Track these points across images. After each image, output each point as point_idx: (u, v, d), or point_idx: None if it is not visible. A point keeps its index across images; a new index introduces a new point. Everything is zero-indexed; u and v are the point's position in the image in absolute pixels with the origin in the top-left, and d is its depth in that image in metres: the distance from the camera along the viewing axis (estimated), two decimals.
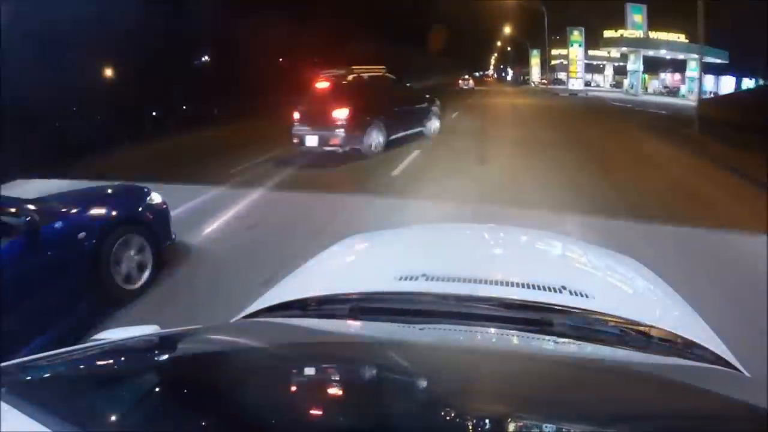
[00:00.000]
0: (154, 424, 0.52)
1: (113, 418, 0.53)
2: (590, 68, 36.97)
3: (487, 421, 0.51)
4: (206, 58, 21.94)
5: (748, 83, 24.73)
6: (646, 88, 29.28)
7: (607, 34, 28.75)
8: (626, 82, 30.44)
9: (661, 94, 30.08)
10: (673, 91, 30.38)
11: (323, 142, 7.58)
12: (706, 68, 27.54)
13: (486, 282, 0.97)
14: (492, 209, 4.40)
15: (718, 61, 25.83)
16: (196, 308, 2.67)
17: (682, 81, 30.51)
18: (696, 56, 27.92)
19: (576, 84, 31.23)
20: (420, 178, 6.03)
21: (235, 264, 3.38)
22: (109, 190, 3.40)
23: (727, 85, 26.33)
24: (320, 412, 0.55)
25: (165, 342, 0.82)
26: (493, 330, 0.85)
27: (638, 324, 0.87)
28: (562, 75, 40.91)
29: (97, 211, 2.82)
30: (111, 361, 0.74)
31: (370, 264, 1.31)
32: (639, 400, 0.61)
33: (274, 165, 7.11)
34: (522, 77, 54.46)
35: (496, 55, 75.62)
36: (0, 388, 0.52)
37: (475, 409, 0.55)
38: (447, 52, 50.67)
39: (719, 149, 7.78)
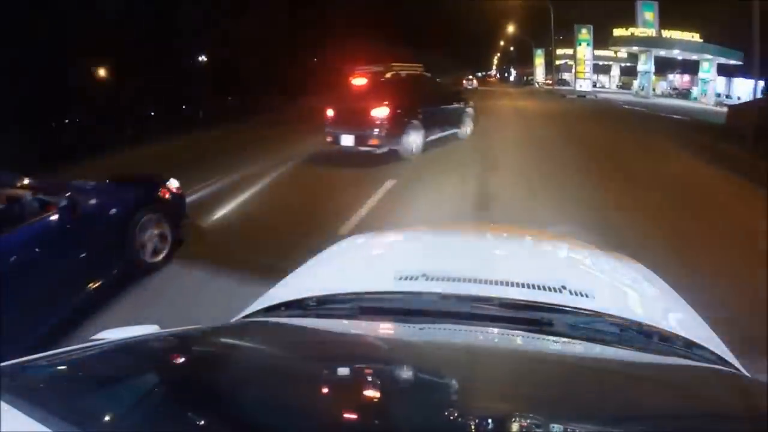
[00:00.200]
0: (154, 424, 0.53)
1: (113, 418, 0.54)
2: (596, 69, 36.19)
3: (487, 420, 0.52)
4: (203, 58, 22.06)
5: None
6: (654, 90, 28.13)
7: (617, 32, 26.99)
8: (635, 83, 29.00)
9: (670, 96, 29.54)
10: (683, 93, 29.65)
11: (360, 141, 7.35)
12: (719, 69, 25.80)
13: (486, 282, 0.99)
14: None
15: (732, 62, 23.95)
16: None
17: (692, 82, 29.72)
18: (709, 57, 26.05)
19: (584, 85, 29.57)
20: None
21: None
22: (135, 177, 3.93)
23: (740, 87, 25.52)
24: (320, 412, 0.56)
25: (165, 342, 0.83)
26: (493, 330, 0.86)
27: (638, 324, 0.88)
28: (566, 76, 39.09)
29: (125, 192, 3.34)
30: (111, 361, 0.73)
31: (370, 264, 1.32)
32: (639, 400, 0.62)
33: None
34: (525, 78, 52.73)
35: (498, 54, 74.04)
36: (0, 388, 0.52)
37: (476, 408, 0.56)
38: (449, 52, 49.42)
39: None
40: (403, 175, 6.19)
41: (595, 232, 3.64)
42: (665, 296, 1.14)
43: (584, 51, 30.98)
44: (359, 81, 7.99)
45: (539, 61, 44.37)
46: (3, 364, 0.62)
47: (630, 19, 27.79)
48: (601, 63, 33.73)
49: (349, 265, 1.36)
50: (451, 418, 0.53)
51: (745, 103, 12.35)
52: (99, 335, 0.87)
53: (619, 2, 27.23)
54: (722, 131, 10.59)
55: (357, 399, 0.60)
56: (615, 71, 38.18)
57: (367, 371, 0.71)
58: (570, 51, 36.56)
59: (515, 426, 0.51)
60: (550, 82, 43.43)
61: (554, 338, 0.84)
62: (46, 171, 6.02)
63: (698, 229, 4.20)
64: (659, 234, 3.92)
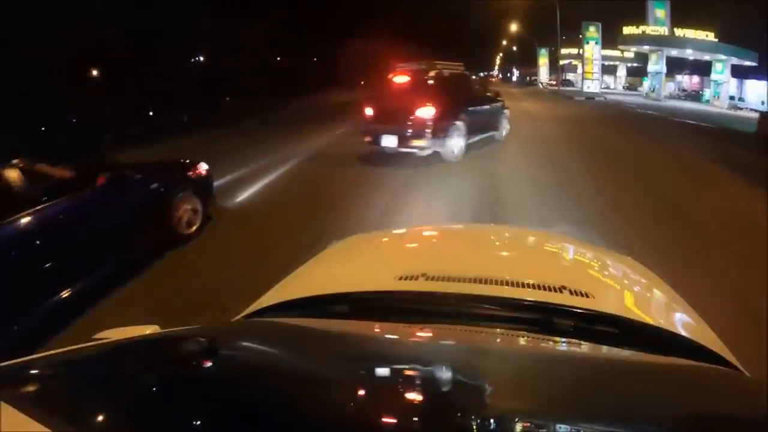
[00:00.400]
0: (154, 424, 0.53)
1: (113, 418, 0.55)
2: (602, 69, 34.28)
3: (487, 420, 0.52)
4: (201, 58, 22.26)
5: None
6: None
7: (627, 30, 25.49)
8: (646, 84, 27.41)
9: (678, 97, 28.81)
10: (692, 95, 28.87)
11: (403, 142, 7.15)
12: (732, 71, 24.15)
13: (486, 282, 1.00)
14: None
15: (747, 63, 22.57)
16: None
17: (701, 83, 28.93)
18: (723, 57, 24.42)
19: (592, 86, 28.10)
20: None
21: None
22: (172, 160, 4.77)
23: (752, 89, 25.07)
24: (320, 412, 0.56)
25: (165, 342, 0.85)
26: (493, 330, 0.88)
27: (638, 324, 0.90)
28: (570, 76, 37.48)
29: (165, 171, 4.21)
30: (111, 361, 0.74)
31: (370, 264, 1.34)
32: (639, 400, 0.63)
33: None
34: (528, 78, 51.06)
35: (501, 54, 72.38)
36: (0, 388, 0.54)
37: (476, 408, 0.56)
38: (449, 51, 48.19)
39: None
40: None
41: None
42: (665, 296, 1.16)
43: (592, 50, 29.41)
44: (401, 79, 7.73)
45: (543, 61, 42.98)
46: (3, 364, 0.64)
47: (636, 18, 27.05)
48: (606, 63, 32.31)
49: (349, 264, 1.37)
50: (452, 417, 0.54)
51: None
52: (99, 335, 0.88)
53: (627, 0, 25.56)
54: (757, 142, 9.71)
55: (357, 399, 0.61)
56: (621, 72, 36.84)
57: (367, 371, 0.71)
58: (575, 51, 35.22)
59: (515, 426, 0.52)
60: (554, 82, 41.88)
61: (554, 338, 0.85)
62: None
63: None
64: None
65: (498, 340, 0.87)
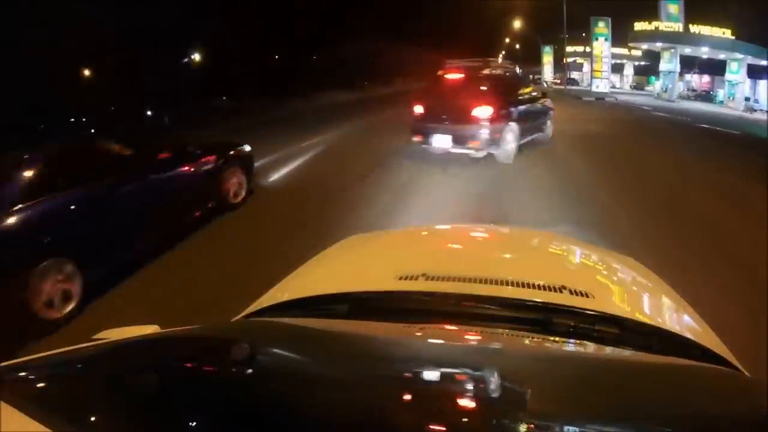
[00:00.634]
0: (154, 424, 0.55)
1: (113, 418, 0.56)
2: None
3: (487, 420, 0.54)
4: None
5: None
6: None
7: (638, 26, 23.91)
8: (657, 84, 25.65)
9: (688, 98, 27.75)
10: (702, 95, 27.84)
11: (458, 142, 6.90)
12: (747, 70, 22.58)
13: (486, 281, 1.01)
14: None
15: (762, 62, 21.10)
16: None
17: (712, 83, 27.98)
18: (739, 56, 22.79)
19: (601, 86, 26.63)
20: None
21: None
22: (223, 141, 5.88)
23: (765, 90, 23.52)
24: (320, 412, 0.57)
25: (165, 342, 0.87)
26: (493, 330, 0.90)
27: (638, 324, 0.92)
28: (575, 75, 35.76)
29: (217, 149, 5.20)
30: (111, 361, 0.75)
31: (370, 264, 1.36)
32: (639, 400, 0.64)
33: None
34: (531, 76, 49.16)
35: (503, 53, 70.47)
36: (0, 388, 0.55)
37: (476, 408, 0.58)
38: (450, 49, 46.72)
39: None
40: None
41: None
42: (666, 296, 1.16)
43: (601, 47, 27.79)
44: (453, 76, 7.50)
45: (548, 59, 41.50)
46: (3, 364, 0.65)
47: (645, 15, 25.94)
48: (613, 61, 30.41)
49: (349, 265, 1.38)
50: (452, 417, 0.55)
51: None
52: (99, 335, 0.90)
53: None
54: None
55: (357, 399, 0.61)
56: (628, 70, 35.32)
57: (367, 371, 0.72)
58: (581, 48, 33.38)
59: (515, 426, 0.53)
60: (559, 81, 40.12)
61: (554, 338, 0.87)
62: None
63: None
64: None
65: (498, 340, 0.88)
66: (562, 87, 32.89)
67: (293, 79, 24.44)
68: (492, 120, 6.77)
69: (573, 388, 0.66)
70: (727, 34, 23.55)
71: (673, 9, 24.98)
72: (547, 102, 8.95)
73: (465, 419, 0.55)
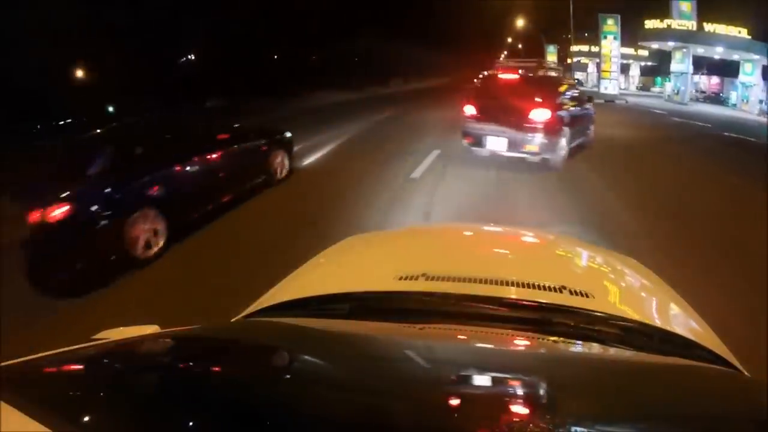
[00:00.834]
0: (154, 424, 0.55)
1: (113, 418, 0.57)
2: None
3: (486, 420, 0.54)
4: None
5: None
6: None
7: (649, 24, 22.44)
8: (668, 86, 24.39)
9: (698, 100, 26.40)
10: (712, 98, 26.48)
11: (514, 146, 6.78)
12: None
13: (486, 282, 1.03)
14: None
15: None
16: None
17: (721, 85, 26.56)
18: (755, 57, 21.47)
19: (610, 87, 25.09)
20: None
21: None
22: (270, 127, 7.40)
23: None
24: (320, 412, 0.58)
25: (165, 342, 0.88)
26: (493, 330, 0.91)
27: (638, 324, 0.94)
28: (579, 75, 34.31)
29: (266, 134, 6.61)
30: (111, 361, 0.77)
31: (370, 264, 1.37)
32: (639, 400, 0.65)
33: None
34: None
35: (505, 53, 68.99)
36: (0, 388, 0.56)
37: (476, 408, 0.58)
38: (451, 49, 45.85)
39: None
40: None
41: None
42: (665, 296, 1.19)
43: (610, 46, 26.24)
44: (509, 76, 7.41)
45: (551, 59, 39.45)
46: (3, 364, 0.66)
47: (652, 13, 24.63)
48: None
49: (349, 265, 1.40)
50: (451, 418, 0.56)
51: None
52: (99, 335, 0.91)
53: None
54: None
55: (357, 399, 0.62)
56: (635, 71, 34.04)
57: (367, 371, 0.73)
58: (585, 48, 31.86)
59: (515, 426, 0.53)
60: None
61: (554, 338, 0.88)
62: None
63: None
64: None
65: (498, 341, 0.89)
66: None
67: (291, 78, 24.42)
68: (550, 124, 6.63)
69: (573, 389, 0.67)
70: (743, 33, 22.21)
71: (686, 6, 23.54)
72: (591, 105, 8.74)
73: (465, 419, 0.55)
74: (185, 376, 0.69)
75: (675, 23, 23.22)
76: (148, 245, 4.31)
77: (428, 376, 0.70)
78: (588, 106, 8.59)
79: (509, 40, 57.45)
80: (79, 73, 18.02)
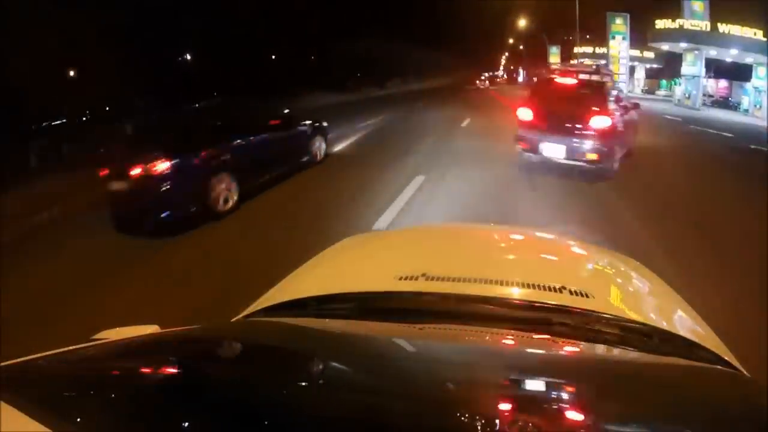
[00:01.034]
0: (154, 424, 0.56)
1: (113, 418, 0.57)
2: None
3: (487, 421, 0.54)
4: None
5: None
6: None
7: (660, 24, 21.20)
8: (677, 89, 23.14)
9: (706, 104, 24.99)
10: (720, 102, 25.01)
11: (573, 154, 6.53)
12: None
13: (486, 282, 1.04)
14: None
15: None
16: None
17: (729, 89, 25.11)
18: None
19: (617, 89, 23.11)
20: None
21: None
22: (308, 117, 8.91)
23: None
24: (320, 412, 0.58)
25: (165, 342, 0.89)
26: (493, 330, 0.91)
27: (638, 324, 0.94)
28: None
29: (309, 122, 8.12)
30: (111, 360, 0.77)
31: (370, 264, 1.37)
32: (639, 400, 0.65)
33: None
34: (536, 79, 46.20)
35: (507, 54, 67.68)
36: (0, 388, 0.56)
37: (476, 409, 0.58)
38: (452, 50, 44.70)
39: None
40: None
41: None
42: (665, 296, 1.19)
43: (619, 46, 24.93)
44: (566, 81, 7.08)
45: (554, 60, 38.09)
46: (3, 364, 0.66)
47: (662, 12, 23.46)
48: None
49: (349, 265, 1.41)
50: (451, 418, 0.55)
51: None
52: (99, 335, 0.92)
53: None
54: None
55: (357, 399, 0.63)
56: (640, 73, 33.02)
57: (367, 371, 0.74)
58: (590, 49, 30.50)
59: (515, 426, 0.53)
60: None
61: (554, 338, 0.89)
62: None
63: None
64: None
65: (498, 341, 0.90)
66: None
67: (290, 79, 24.40)
68: (610, 132, 6.41)
69: (573, 389, 0.68)
70: (759, 35, 20.79)
71: (698, 6, 22.19)
72: (635, 112, 8.37)
73: (465, 419, 0.55)
74: (185, 376, 0.70)
75: (688, 23, 21.88)
76: (225, 201, 5.73)
77: (428, 376, 0.70)
78: (633, 113, 8.30)
79: (510, 41, 55.88)
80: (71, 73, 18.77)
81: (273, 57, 28.32)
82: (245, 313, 1.09)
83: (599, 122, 6.37)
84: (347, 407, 0.58)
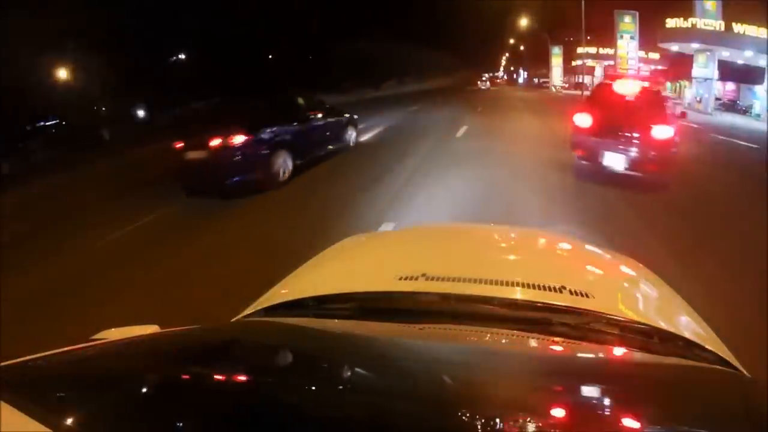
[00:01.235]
0: (154, 424, 0.56)
1: (113, 418, 0.57)
2: (611, 71, 28.74)
3: (487, 421, 0.54)
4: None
5: None
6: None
7: (671, 23, 19.68)
8: (689, 93, 21.70)
9: (715, 108, 23.64)
10: (728, 105, 23.61)
11: (634, 165, 6.18)
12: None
13: (486, 282, 1.04)
14: None
15: None
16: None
17: (737, 92, 23.92)
18: None
19: None
20: None
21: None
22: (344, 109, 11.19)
23: None
24: (320, 412, 0.59)
25: (165, 342, 0.89)
26: (493, 330, 0.92)
27: (638, 324, 0.94)
28: (583, 78, 31.62)
29: (344, 114, 10.07)
30: (111, 360, 0.77)
31: (370, 264, 1.38)
32: (639, 401, 0.65)
33: None
34: (538, 80, 44.99)
35: (507, 54, 66.31)
36: (0, 388, 0.57)
37: (475, 409, 0.58)
38: (451, 51, 43.78)
39: None
40: None
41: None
42: (665, 296, 1.19)
43: (627, 46, 23.48)
44: (627, 88, 6.79)
45: (557, 61, 37.31)
46: (3, 364, 0.67)
47: (667, 12, 22.29)
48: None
49: (349, 265, 1.41)
50: (451, 418, 0.55)
51: None
52: (99, 335, 0.92)
53: None
54: None
55: (357, 399, 0.63)
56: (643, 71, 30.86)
57: (367, 371, 0.74)
58: (593, 50, 29.28)
59: (515, 426, 0.54)
60: (567, 85, 35.88)
61: (554, 338, 0.89)
62: None
63: None
64: None
65: (497, 341, 0.90)
66: (580, 93, 27.89)
67: (285, 79, 24.33)
68: (672, 143, 6.16)
69: (573, 389, 0.68)
70: None
71: (710, 5, 20.89)
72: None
73: (465, 419, 0.55)
74: (185, 377, 0.70)
75: (701, 22, 20.60)
76: (282, 173, 7.23)
77: (428, 377, 0.70)
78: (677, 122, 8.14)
79: (511, 41, 54.49)
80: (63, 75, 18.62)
81: (270, 57, 28.39)
82: (245, 313, 1.11)
83: (661, 132, 6.09)
84: (347, 407, 0.58)
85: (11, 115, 13.98)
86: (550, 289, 0.96)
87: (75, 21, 15.19)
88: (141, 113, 20.74)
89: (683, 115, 8.14)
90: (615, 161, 6.35)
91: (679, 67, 25.26)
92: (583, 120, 6.78)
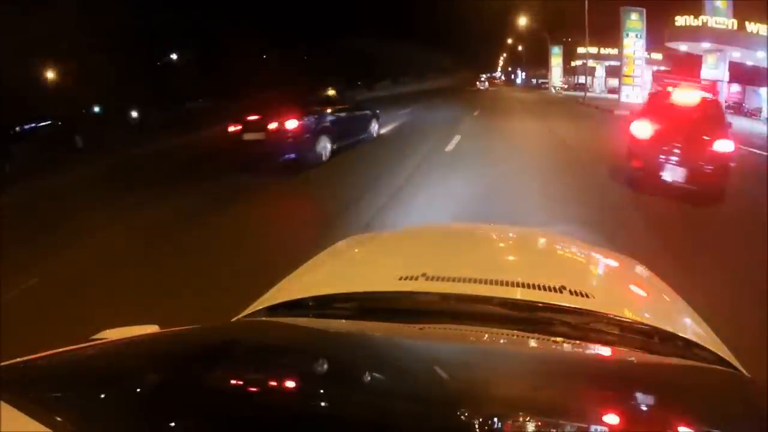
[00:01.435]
0: (154, 424, 0.57)
1: (113, 418, 0.58)
2: (614, 72, 28.83)
3: (487, 421, 0.55)
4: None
5: None
6: None
7: (681, 20, 18.45)
8: None
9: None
10: (734, 108, 22.37)
11: (693, 179, 5.90)
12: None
13: (486, 282, 1.05)
14: None
15: None
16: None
17: (743, 95, 23.18)
18: None
19: (632, 95, 21.33)
20: None
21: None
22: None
23: None
24: (320, 412, 0.60)
25: (165, 341, 0.91)
26: (493, 330, 0.93)
27: (638, 324, 0.96)
28: (582, 79, 30.51)
29: (368, 108, 12.38)
30: (111, 360, 0.78)
31: (370, 264, 1.40)
32: (639, 400, 0.67)
33: None
34: (537, 80, 43.72)
35: (504, 55, 65.02)
36: (0, 388, 0.58)
37: (475, 409, 0.59)
38: (448, 51, 42.92)
39: None
40: None
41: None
42: (665, 296, 1.20)
43: (634, 45, 22.26)
44: (686, 98, 6.51)
45: (556, 62, 36.29)
46: (3, 363, 0.67)
47: (671, 11, 21.25)
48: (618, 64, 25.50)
49: (350, 265, 1.42)
50: (452, 418, 0.56)
51: None
52: (99, 335, 0.92)
53: None
54: None
55: (357, 399, 0.63)
56: (647, 76, 29.65)
57: (367, 371, 0.74)
58: (594, 50, 28.22)
59: (515, 426, 0.54)
60: (566, 86, 34.66)
61: (554, 338, 0.90)
62: None
63: None
64: None
65: (498, 341, 0.91)
66: (584, 95, 26.92)
67: (280, 78, 23.45)
68: (731, 157, 5.92)
69: (573, 389, 0.69)
70: None
71: (720, 3, 19.65)
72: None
73: (465, 419, 0.55)
74: (185, 377, 0.70)
75: (712, 20, 19.31)
76: (323, 154, 8.98)
77: (428, 377, 0.70)
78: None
79: (509, 41, 53.23)
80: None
81: (264, 57, 28.24)
82: (245, 313, 1.12)
83: (723, 146, 5.87)
84: (347, 407, 0.59)
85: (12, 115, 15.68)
86: (550, 289, 0.98)
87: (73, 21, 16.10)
88: (134, 114, 21.57)
89: (729, 125, 8.02)
90: (676, 174, 6.10)
91: (685, 68, 24.15)
92: (642, 130, 6.46)
